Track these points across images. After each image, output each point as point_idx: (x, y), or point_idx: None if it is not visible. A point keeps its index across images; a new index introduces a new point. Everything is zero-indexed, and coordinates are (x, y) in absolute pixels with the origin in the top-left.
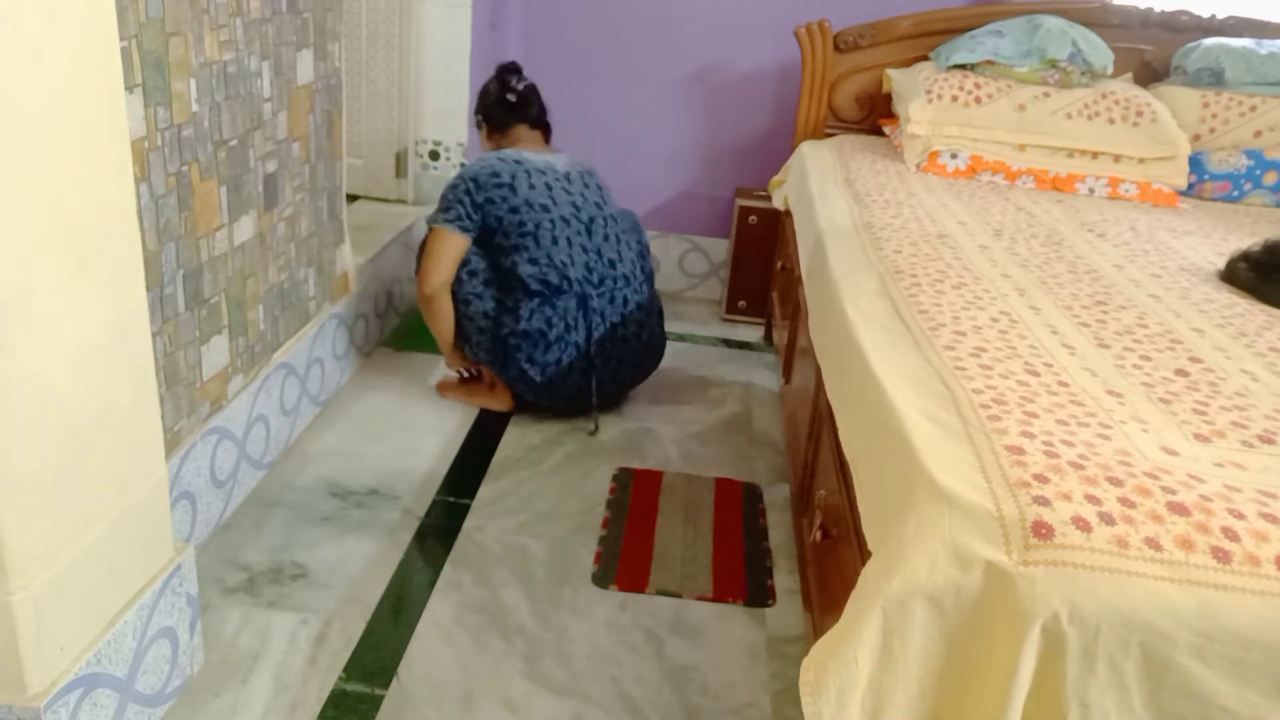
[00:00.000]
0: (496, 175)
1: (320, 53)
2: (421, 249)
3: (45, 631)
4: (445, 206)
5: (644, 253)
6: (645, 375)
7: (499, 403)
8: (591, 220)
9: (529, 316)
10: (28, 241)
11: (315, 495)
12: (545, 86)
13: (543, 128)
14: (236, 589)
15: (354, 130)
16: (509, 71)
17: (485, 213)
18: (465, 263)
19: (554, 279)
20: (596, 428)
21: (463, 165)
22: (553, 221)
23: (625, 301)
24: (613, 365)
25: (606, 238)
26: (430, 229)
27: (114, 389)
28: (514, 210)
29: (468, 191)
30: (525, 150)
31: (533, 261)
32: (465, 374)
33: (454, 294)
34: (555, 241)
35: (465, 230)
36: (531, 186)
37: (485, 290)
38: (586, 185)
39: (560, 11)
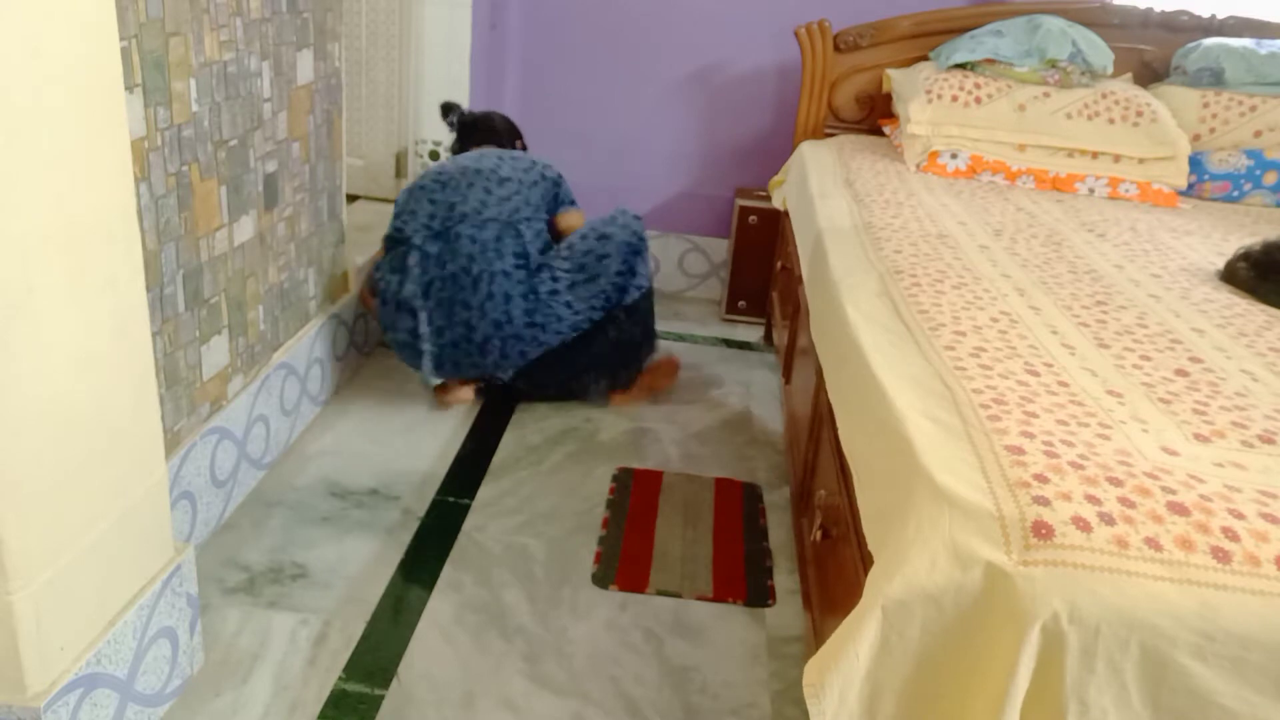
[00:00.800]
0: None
1: (320, 53)
2: None
3: (45, 631)
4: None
5: (525, 205)
6: (496, 323)
7: (460, 393)
8: (450, 179)
9: (374, 274)
10: (28, 241)
11: (315, 495)
12: (545, 86)
13: (496, 143)
14: (236, 589)
15: (354, 130)
16: (449, 110)
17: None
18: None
19: (391, 232)
20: (426, 379)
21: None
22: (415, 189)
23: (457, 237)
24: (445, 308)
25: (457, 188)
26: None
27: (114, 389)
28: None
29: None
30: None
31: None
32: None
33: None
34: (406, 203)
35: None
36: (427, 172)
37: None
38: (483, 156)
39: (560, 11)
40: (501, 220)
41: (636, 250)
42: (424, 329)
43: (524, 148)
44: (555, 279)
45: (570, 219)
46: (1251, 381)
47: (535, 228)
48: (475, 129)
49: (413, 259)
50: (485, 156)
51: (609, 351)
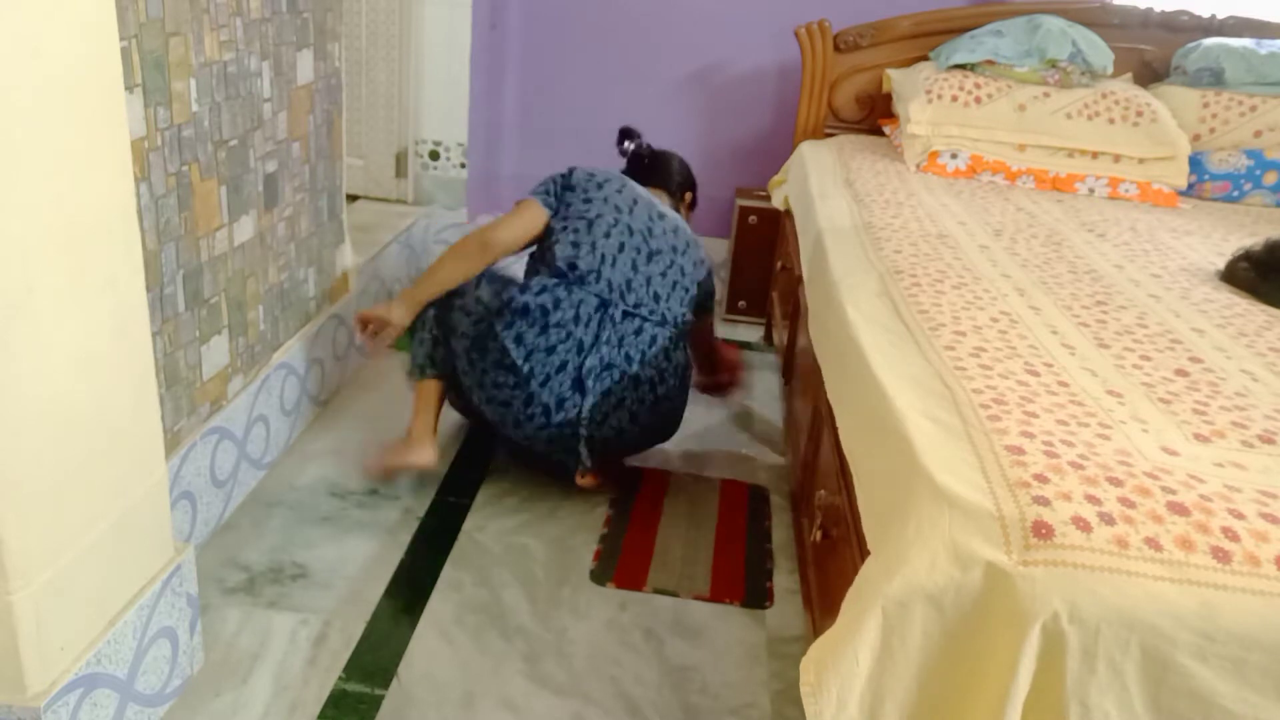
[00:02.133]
0: (592, 175)
1: (320, 53)
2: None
3: (45, 631)
4: (539, 186)
5: (697, 308)
6: (650, 440)
7: (416, 454)
8: (659, 251)
9: (538, 291)
10: (28, 241)
11: (315, 495)
12: (545, 86)
13: (665, 188)
14: (236, 589)
15: (354, 130)
16: (627, 136)
17: (564, 201)
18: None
19: (584, 265)
20: (584, 467)
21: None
22: (616, 223)
23: (653, 341)
24: (611, 404)
25: (665, 274)
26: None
27: (114, 389)
28: (587, 200)
29: (562, 177)
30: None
31: (574, 244)
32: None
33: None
34: (608, 236)
35: (549, 206)
36: (619, 191)
37: (486, 285)
38: (676, 231)
39: (560, 11)
40: (681, 330)
41: (696, 308)
42: (586, 413)
43: (693, 204)
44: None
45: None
46: (1251, 381)
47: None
48: (650, 170)
49: (608, 334)
50: (677, 229)
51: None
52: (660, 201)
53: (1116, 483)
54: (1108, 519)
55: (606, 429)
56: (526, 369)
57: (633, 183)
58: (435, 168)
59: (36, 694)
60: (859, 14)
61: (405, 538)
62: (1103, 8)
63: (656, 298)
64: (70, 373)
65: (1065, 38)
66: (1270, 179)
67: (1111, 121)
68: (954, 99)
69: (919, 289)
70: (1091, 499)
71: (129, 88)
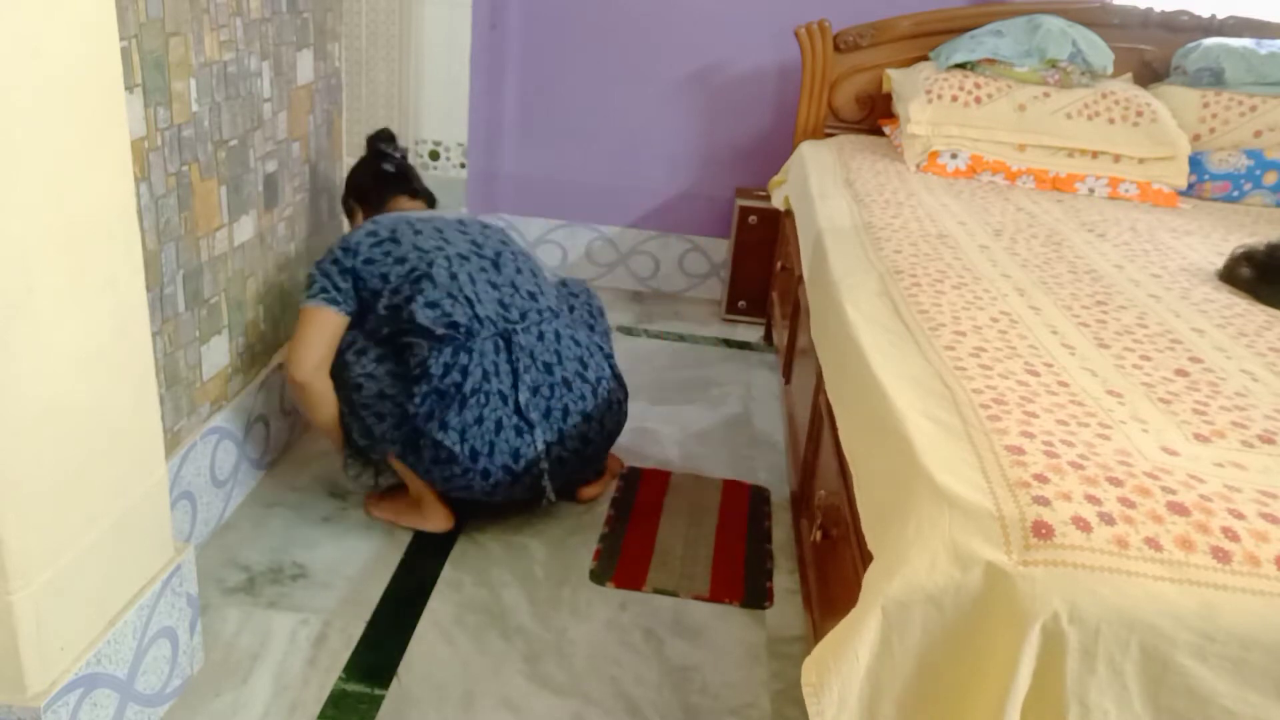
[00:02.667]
0: (373, 234)
1: (320, 53)
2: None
3: (45, 631)
4: (310, 283)
5: (577, 303)
6: (609, 432)
7: (432, 521)
8: (498, 255)
9: (442, 373)
10: (28, 241)
11: (315, 495)
12: (546, 86)
13: (425, 198)
14: (236, 589)
15: (354, 130)
16: (381, 140)
17: (363, 278)
18: (350, 343)
19: (461, 317)
20: (549, 496)
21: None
22: (448, 258)
23: (557, 336)
24: (559, 417)
25: (519, 270)
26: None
27: (114, 389)
28: (400, 260)
29: (335, 260)
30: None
31: (431, 305)
32: (374, 483)
33: (342, 382)
34: (454, 277)
35: (335, 304)
36: (418, 232)
37: (378, 367)
38: (487, 227)
39: (560, 11)
40: (569, 312)
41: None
42: (539, 447)
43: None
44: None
45: None
46: (1251, 381)
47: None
48: (409, 173)
49: (522, 363)
50: (486, 227)
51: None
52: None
53: (1116, 483)
54: (1108, 519)
55: (570, 444)
56: (468, 450)
57: (411, 214)
58: (435, 168)
59: (36, 694)
60: (859, 14)
61: (405, 538)
62: (1103, 8)
63: (533, 295)
64: (70, 373)
65: (1065, 38)
66: (1270, 179)
67: (1111, 121)
68: (954, 99)
69: (919, 289)
70: (1091, 499)
71: (129, 88)
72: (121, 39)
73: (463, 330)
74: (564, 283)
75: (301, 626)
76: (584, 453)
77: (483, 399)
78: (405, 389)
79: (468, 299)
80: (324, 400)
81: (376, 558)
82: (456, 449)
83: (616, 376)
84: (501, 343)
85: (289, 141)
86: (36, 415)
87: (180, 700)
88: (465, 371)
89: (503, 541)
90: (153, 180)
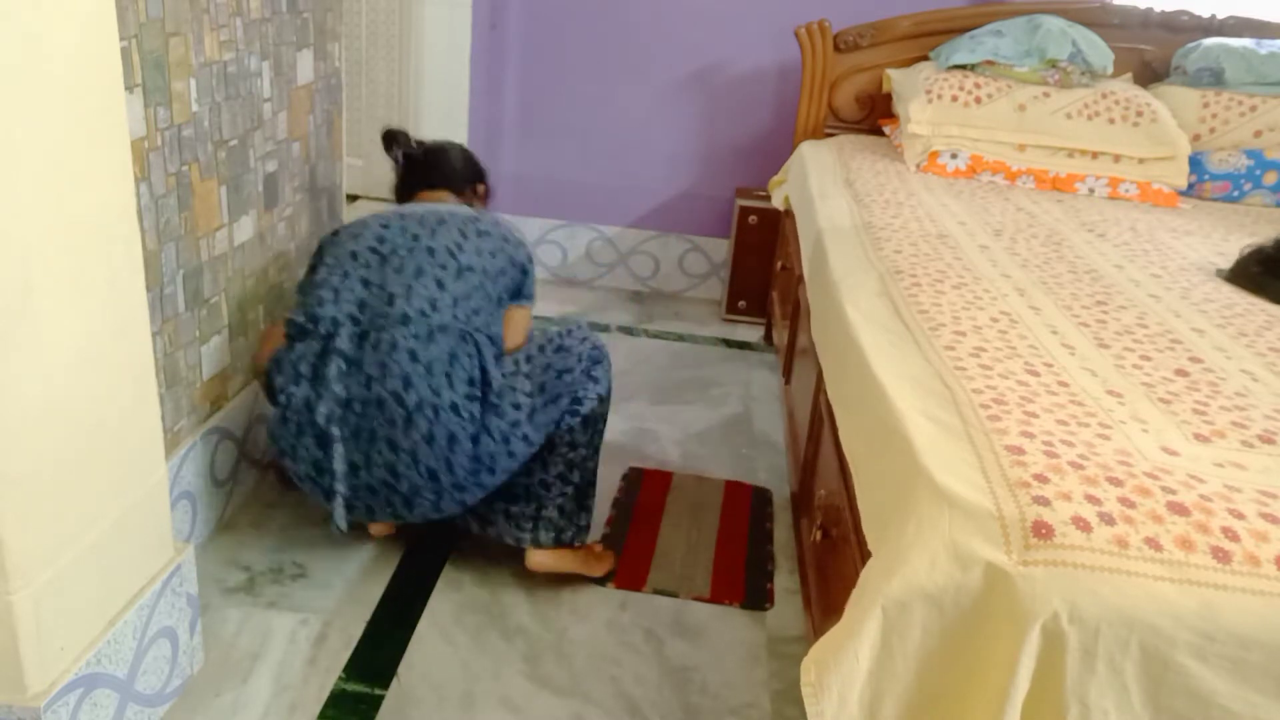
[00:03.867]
0: (332, 240)
1: (320, 53)
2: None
3: (45, 631)
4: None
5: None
6: (430, 471)
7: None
8: (393, 251)
9: (274, 365)
10: (28, 241)
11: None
12: (545, 86)
13: (451, 185)
14: (236, 589)
15: (354, 130)
16: (388, 140)
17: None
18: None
19: (300, 318)
20: (337, 523)
21: None
22: (337, 261)
23: (392, 346)
24: (365, 440)
25: (401, 269)
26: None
27: (114, 389)
28: (322, 264)
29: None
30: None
31: (296, 306)
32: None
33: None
34: (330, 274)
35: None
36: (355, 236)
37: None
38: (441, 223)
39: (560, 11)
40: (456, 329)
41: (598, 360)
42: (338, 465)
43: (487, 194)
44: (517, 406)
45: (517, 318)
46: (1251, 381)
47: (494, 333)
48: (426, 167)
49: (333, 369)
50: (444, 222)
51: (560, 478)
52: (442, 202)
53: (1116, 483)
54: (1108, 519)
55: (377, 470)
56: (279, 448)
57: (410, 205)
58: None
59: (36, 694)
60: (859, 14)
61: (405, 538)
62: (1103, 8)
63: (391, 299)
64: (70, 373)
65: (1065, 38)
66: (1270, 179)
67: (1111, 121)
68: (954, 99)
69: (919, 289)
70: (1091, 499)
71: (129, 88)
72: (121, 39)
73: (297, 329)
74: (568, 330)
75: (301, 626)
76: (396, 487)
77: (284, 400)
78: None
79: (319, 299)
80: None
81: (376, 558)
82: (275, 445)
83: (464, 409)
84: (323, 345)
85: (289, 141)
86: (36, 415)
87: (180, 700)
88: (280, 366)
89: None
90: (153, 180)
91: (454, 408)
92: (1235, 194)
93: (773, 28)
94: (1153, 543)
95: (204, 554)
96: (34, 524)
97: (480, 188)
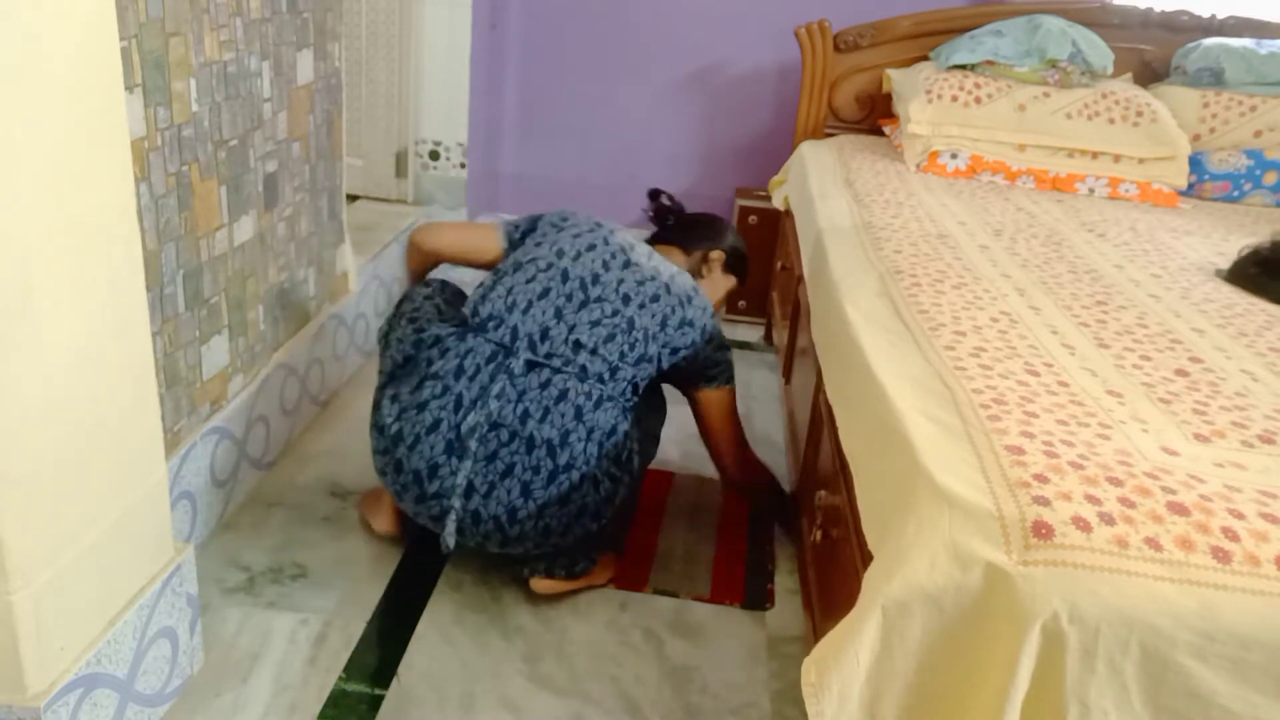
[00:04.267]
0: (564, 219)
1: (320, 53)
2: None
3: (45, 631)
4: (515, 219)
5: (681, 374)
6: (562, 527)
7: (377, 519)
8: (600, 299)
9: (431, 343)
10: (28, 241)
11: (315, 495)
12: (545, 86)
13: (672, 241)
14: (236, 589)
15: (354, 130)
16: (655, 197)
17: (521, 243)
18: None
19: (486, 311)
20: (446, 541)
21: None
22: (549, 267)
23: (561, 395)
24: (498, 471)
25: (599, 322)
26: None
27: (114, 389)
28: (537, 244)
29: (533, 218)
30: (633, 235)
31: (486, 288)
32: None
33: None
34: (531, 280)
35: (508, 238)
36: (576, 236)
37: (442, 299)
38: (645, 284)
39: (560, 11)
40: (622, 405)
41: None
42: (460, 480)
43: (732, 271)
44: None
45: (713, 401)
46: (1251, 381)
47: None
48: (669, 230)
49: (499, 385)
50: (657, 299)
51: (585, 533)
52: (663, 256)
53: (1116, 483)
54: (1108, 519)
55: (494, 504)
56: (395, 429)
57: (616, 232)
58: (435, 168)
59: (36, 694)
60: (859, 14)
61: (405, 537)
62: (1103, 8)
63: (577, 346)
64: (70, 373)
65: (1065, 38)
66: (1270, 179)
67: (1111, 121)
68: (954, 99)
69: (919, 289)
70: (1091, 499)
71: (129, 88)
72: (121, 39)
73: (477, 321)
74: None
75: (301, 626)
76: (507, 530)
77: (437, 389)
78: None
79: (513, 302)
80: (410, 266)
81: (376, 558)
82: (389, 421)
83: (605, 479)
84: (498, 356)
85: (289, 141)
86: (36, 415)
87: (180, 700)
88: (444, 353)
89: None
90: (153, 180)
91: (595, 482)
92: (1235, 194)
93: (773, 28)
94: (1153, 543)
95: (204, 554)
96: (34, 524)
97: (715, 254)
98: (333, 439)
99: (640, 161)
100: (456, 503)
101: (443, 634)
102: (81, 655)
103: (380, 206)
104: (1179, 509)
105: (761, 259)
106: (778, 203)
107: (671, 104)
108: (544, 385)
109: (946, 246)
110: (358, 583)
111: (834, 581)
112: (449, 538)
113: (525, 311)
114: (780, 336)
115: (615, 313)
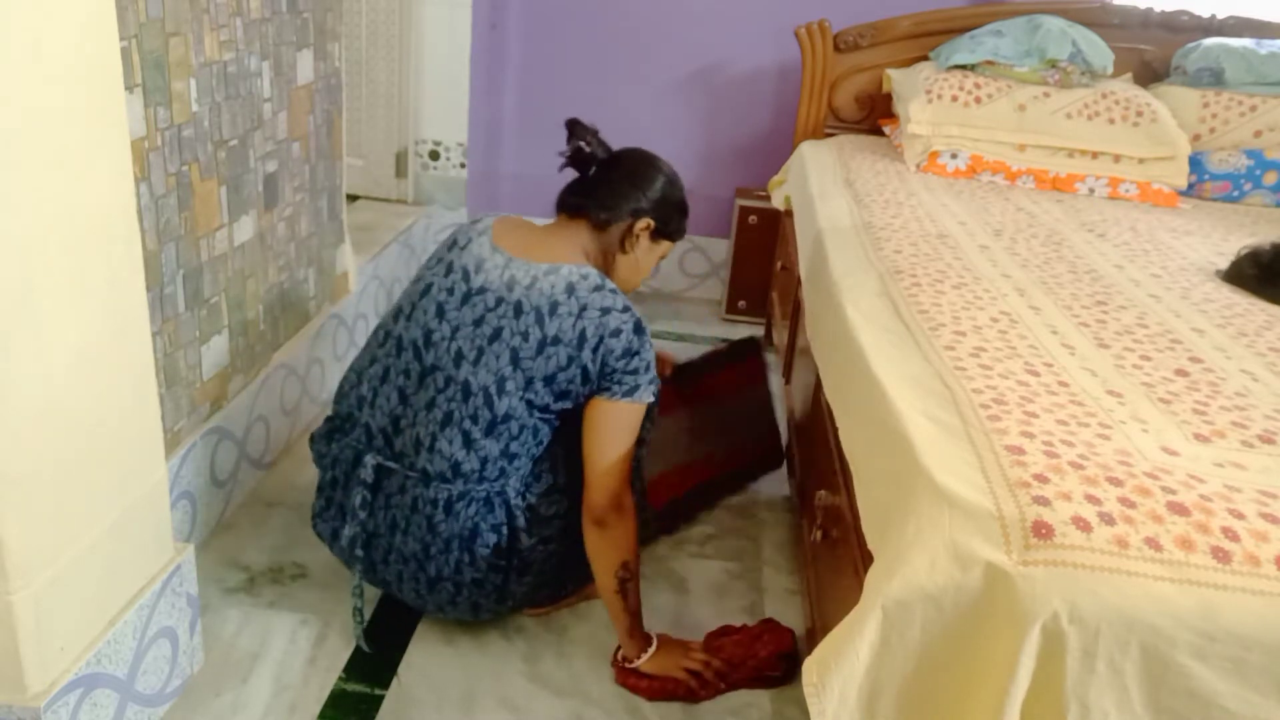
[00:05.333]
0: (455, 237)
1: (320, 53)
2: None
3: (45, 631)
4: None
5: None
6: (478, 610)
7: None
8: (428, 368)
9: (311, 443)
10: (28, 241)
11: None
12: (545, 87)
13: (581, 213)
14: (236, 589)
15: (354, 130)
16: (573, 131)
17: None
18: None
19: (343, 407)
20: (359, 639)
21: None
22: (385, 339)
23: (414, 505)
24: (393, 576)
25: (433, 403)
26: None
27: (114, 389)
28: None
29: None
30: (489, 240)
31: (341, 380)
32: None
33: None
34: (373, 360)
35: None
36: (416, 280)
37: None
38: (480, 323)
39: (560, 11)
40: (482, 495)
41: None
42: (361, 582)
43: (661, 234)
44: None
45: (600, 417)
46: (1251, 381)
47: (533, 487)
48: (589, 186)
49: (356, 498)
50: (521, 313)
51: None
52: (555, 241)
53: (1116, 483)
54: (1108, 519)
55: (406, 596)
56: (324, 531)
57: (474, 240)
58: (435, 168)
59: (36, 694)
60: (859, 14)
61: None
62: (1103, 8)
63: (418, 444)
64: (70, 373)
65: (1065, 38)
66: (1270, 179)
67: (1111, 121)
68: (954, 99)
69: (919, 289)
70: (1091, 499)
71: (129, 88)
72: (121, 39)
73: (338, 420)
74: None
75: (301, 626)
76: (433, 611)
77: (322, 503)
78: None
79: (361, 397)
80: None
81: None
82: (321, 529)
83: (490, 580)
84: (355, 461)
85: (289, 141)
86: (36, 415)
87: (180, 700)
88: (320, 460)
89: None
90: (153, 180)
91: (478, 584)
92: (1235, 194)
93: (773, 28)
94: (1153, 543)
95: (204, 554)
96: (34, 524)
97: (641, 224)
98: None
99: None
100: (358, 603)
101: (443, 634)
102: (81, 655)
103: (380, 206)
104: (1179, 509)
105: (761, 259)
106: (778, 203)
107: (671, 104)
108: (400, 491)
109: (946, 246)
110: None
111: (834, 581)
112: (360, 642)
113: (372, 404)
114: (780, 336)
115: (448, 381)
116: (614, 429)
